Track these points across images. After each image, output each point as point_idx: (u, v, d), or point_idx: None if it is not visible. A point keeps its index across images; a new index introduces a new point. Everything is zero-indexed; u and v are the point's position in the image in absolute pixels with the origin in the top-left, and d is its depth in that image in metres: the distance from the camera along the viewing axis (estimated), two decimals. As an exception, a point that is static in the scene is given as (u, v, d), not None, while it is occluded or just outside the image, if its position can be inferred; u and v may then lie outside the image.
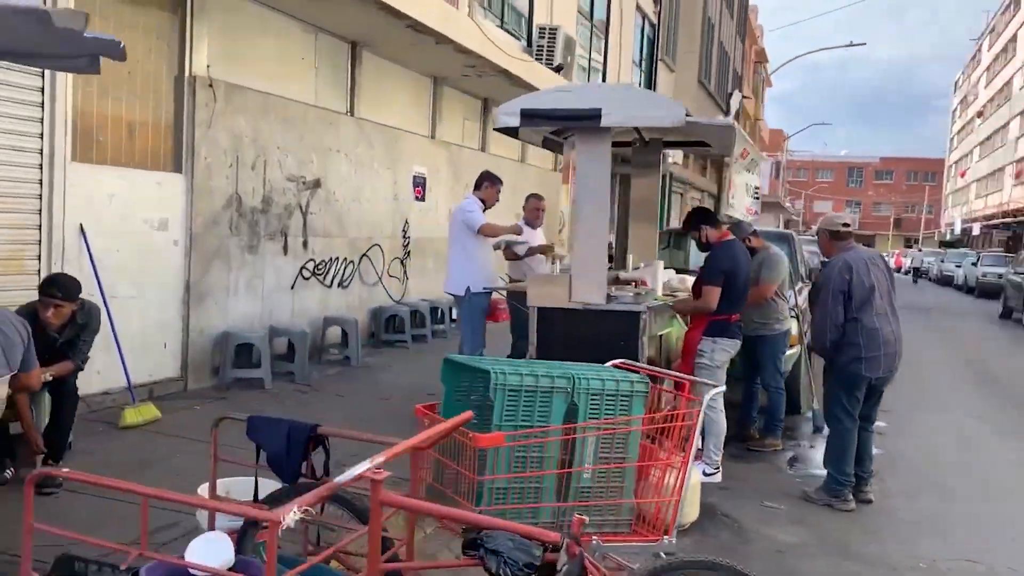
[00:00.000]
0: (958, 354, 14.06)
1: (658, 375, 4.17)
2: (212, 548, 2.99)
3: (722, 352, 5.94)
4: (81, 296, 4.84)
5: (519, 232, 7.24)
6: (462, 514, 2.74)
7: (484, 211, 7.15)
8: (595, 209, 5.98)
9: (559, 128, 7.08)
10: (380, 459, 2.73)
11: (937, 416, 8.72)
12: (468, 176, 12.42)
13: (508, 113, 6.03)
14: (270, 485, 3.36)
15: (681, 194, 27.09)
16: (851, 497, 5.61)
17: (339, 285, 9.47)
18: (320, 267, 9.08)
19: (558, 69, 12.99)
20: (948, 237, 68.25)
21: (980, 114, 65.59)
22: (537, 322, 6.10)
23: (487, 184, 7.15)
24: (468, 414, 3.00)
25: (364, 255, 9.93)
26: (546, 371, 3.27)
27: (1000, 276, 26.15)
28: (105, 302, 6.01)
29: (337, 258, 9.40)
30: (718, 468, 6.00)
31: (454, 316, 11.46)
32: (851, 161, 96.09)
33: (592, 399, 3.27)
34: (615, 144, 8.03)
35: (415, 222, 11.06)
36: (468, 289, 6.89)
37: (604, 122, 5.75)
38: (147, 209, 6.83)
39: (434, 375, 8.40)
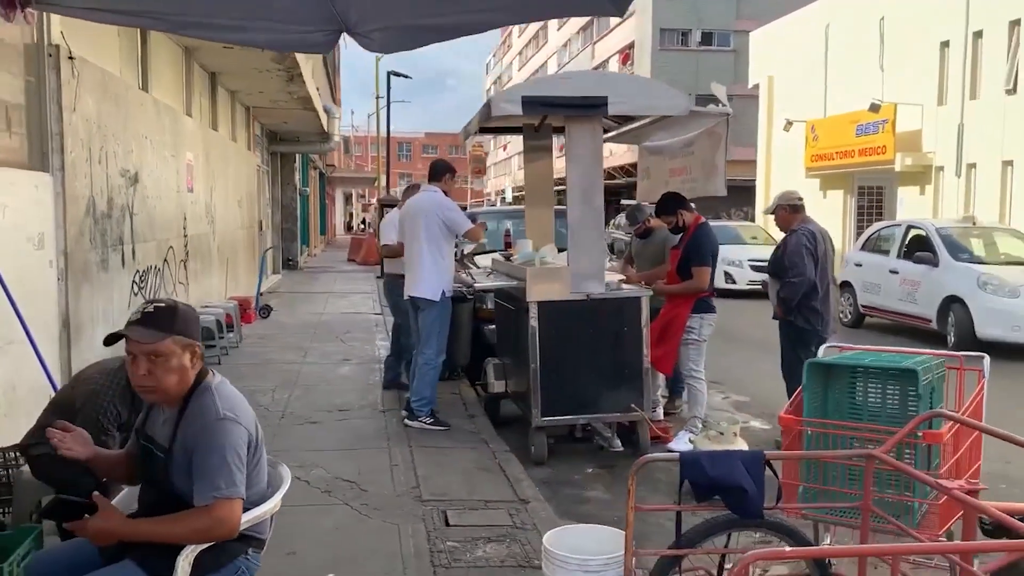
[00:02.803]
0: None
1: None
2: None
3: (708, 327, 6.41)
4: None
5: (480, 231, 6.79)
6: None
7: None
8: (590, 198, 5.99)
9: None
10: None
11: (756, 360, 10.11)
12: (216, 163, 11.13)
13: (509, 101, 5.75)
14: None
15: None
16: None
17: (154, 299, 7.91)
18: (143, 279, 7.51)
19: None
20: (499, 205, 76.07)
21: (517, 93, 73.74)
22: (538, 317, 5.95)
23: (449, 175, 6.60)
24: (928, 415, 3.06)
25: (165, 260, 8.40)
26: (915, 363, 3.39)
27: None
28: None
29: (152, 267, 7.84)
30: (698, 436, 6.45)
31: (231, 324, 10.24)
32: (401, 136, 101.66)
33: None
34: (504, 129, 7.98)
35: (190, 217, 9.58)
36: (443, 293, 6.39)
37: (611, 111, 5.81)
38: (27, 221, 5.12)
39: (292, 385, 7.67)
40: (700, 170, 6.64)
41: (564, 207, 9.94)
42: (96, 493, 2.51)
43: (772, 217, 6.76)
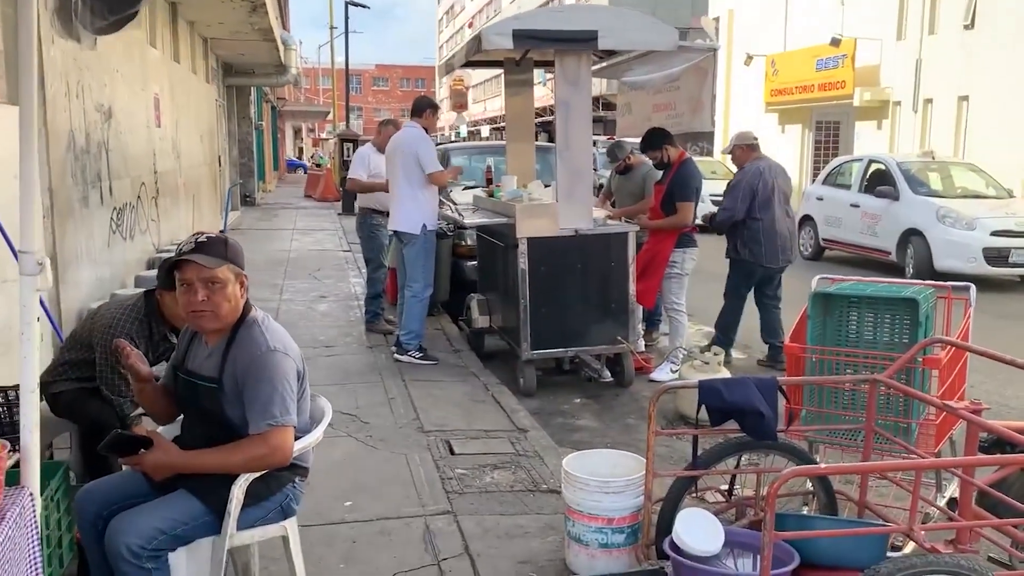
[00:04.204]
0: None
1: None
2: (704, 523, 2.94)
3: (691, 261, 6.62)
4: None
5: (459, 174, 6.85)
6: None
7: None
8: (578, 134, 6.04)
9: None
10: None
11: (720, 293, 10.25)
12: (180, 97, 10.90)
13: (500, 34, 5.73)
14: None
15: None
16: (731, 353, 6.96)
17: (130, 237, 7.83)
18: (119, 216, 7.41)
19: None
20: (453, 138, 75.23)
21: (471, 25, 72.54)
22: (528, 253, 6.04)
23: (430, 111, 6.60)
24: (928, 341, 3.25)
25: (138, 197, 8.27)
26: (913, 293, 3.56)
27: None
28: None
29: (127, 204, 7.73)
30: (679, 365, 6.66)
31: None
32: (351, 69, 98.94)
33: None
34: (483, 63, 7.94)
35: (158, 153, 9.40)
36: (424, 227, 6.44)
37: (601, 45, 5.84)
38: (13, 157, 5.01)
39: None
40: (686, 105, 6.82)
41: (544, 143, 10.08)
42: (153, 430, 2.57)
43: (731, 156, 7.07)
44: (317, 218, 19.53)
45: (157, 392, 2.84)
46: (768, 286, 6.92)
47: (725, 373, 5.75)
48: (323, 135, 65.84)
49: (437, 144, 18.24)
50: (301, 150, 71.42)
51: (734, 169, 7.07)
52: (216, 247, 2.62)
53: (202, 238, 2.65)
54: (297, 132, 70.90)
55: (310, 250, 13.61)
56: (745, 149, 6.86)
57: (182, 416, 2.88)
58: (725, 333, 6.92)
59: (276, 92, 33.03)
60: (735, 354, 7.23)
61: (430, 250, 6.62)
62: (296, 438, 2.67)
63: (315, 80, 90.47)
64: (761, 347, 7.09)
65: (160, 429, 2.91)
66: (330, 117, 44.53)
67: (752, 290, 6.92)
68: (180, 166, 10.91)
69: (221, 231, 12.48)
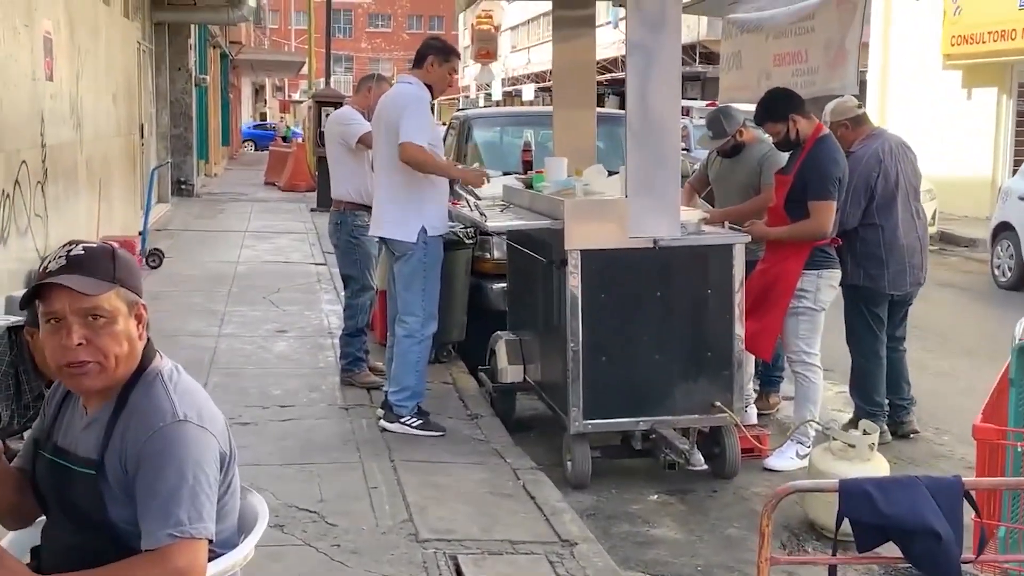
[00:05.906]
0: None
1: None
2: None
3: (829, 289, 6.56)
4: None
5: (484, 180, 6.81)
6: None
7: None
8: (661, 97, 5.98)
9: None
10: None
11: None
12: (83, 37, 11.11)
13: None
14: None
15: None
16: (885, 428, 6.79)
17: (2, 240, 7.98)
18: (-15, 209, 7.52)
19: None
20: (483, 103, 76.23)
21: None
22: (582, 273, 5.99)
23: (435, 59, 6.56)
24: None
25: (16, 181, 8.38)
26: None
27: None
28: None
29: (0, 192, 7.85)
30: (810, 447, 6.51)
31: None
32: (338, 2, 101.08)
33: None
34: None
35: (48, 119, 9.52)
36: (423, 231, 6.45)
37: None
38: None
39: (206, 369, 7.90)
40: (823, 56, 6.71)
41: (612, 110, 10.05)
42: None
43: None
44: (280, 215, 19.93)
45: (6, 478, 2.76)
46: (889, 321, 7.02)
47: (882, 464, 5.59)
48: (294, 96, 67.01)
49: (458, 110, 18.77)
50: (264, 115, 72.50)
51: None
52: (98, 263, 2.56)
53: (76, 250, 2.60)
54: (259, 91, 72.21)
55: (267, 262, 13.85)
56: (849, 127, 6.89)
57: (44, 517, 2.81)
58: (868, 399, 6.91)
59: (229, 34, 33.62)
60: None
61: (433, 267, 6.64)
62: (214, 556, 2.60)
63: (285, 17, 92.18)
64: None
65: (7, 538, 2.84)
66: (305, 71, 45.03)
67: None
68: (81, 137, 11.12)
69: (140, 232, 12.68)
